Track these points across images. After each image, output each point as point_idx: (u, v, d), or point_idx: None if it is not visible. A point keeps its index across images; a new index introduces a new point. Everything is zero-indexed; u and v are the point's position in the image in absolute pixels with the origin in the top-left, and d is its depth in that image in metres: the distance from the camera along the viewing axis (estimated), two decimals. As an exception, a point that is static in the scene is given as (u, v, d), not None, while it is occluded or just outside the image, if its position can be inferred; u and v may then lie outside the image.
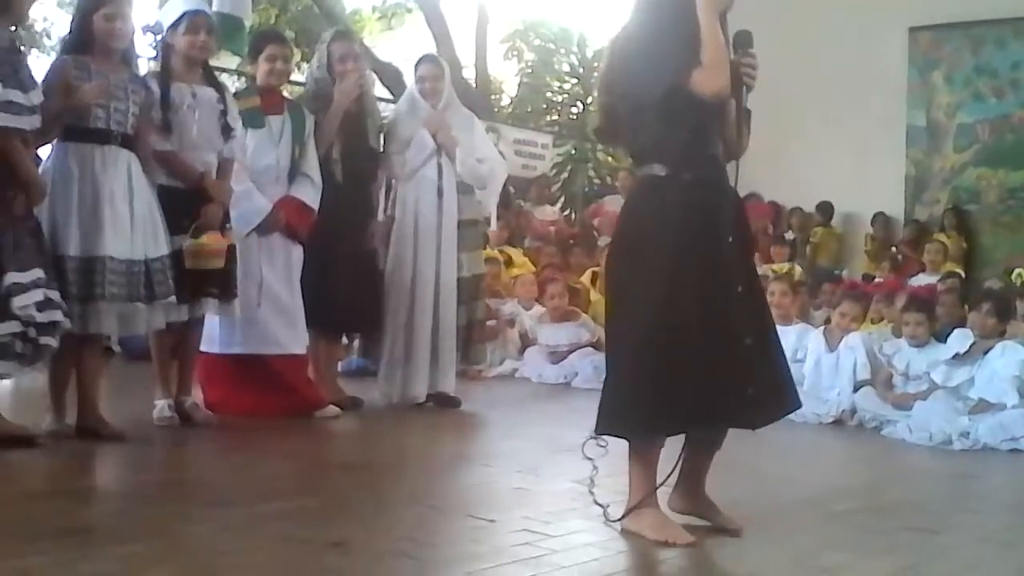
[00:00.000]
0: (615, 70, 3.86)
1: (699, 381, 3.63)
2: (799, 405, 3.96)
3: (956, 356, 6.64)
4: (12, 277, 4.55)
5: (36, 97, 4.66)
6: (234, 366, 5.91)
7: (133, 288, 4.94)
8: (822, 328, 7.62)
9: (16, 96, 4.56)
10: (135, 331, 5.31)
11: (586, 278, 10.20)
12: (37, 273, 4.61)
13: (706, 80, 3.59)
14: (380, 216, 6.73)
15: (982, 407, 6.41)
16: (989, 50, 12.35)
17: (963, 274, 10.66)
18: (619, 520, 3.78)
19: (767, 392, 3.78)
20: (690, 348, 3.63)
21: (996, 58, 12.31)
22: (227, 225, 5.51)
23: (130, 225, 4.98)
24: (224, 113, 5.52)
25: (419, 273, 6.55)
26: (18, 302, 4.53)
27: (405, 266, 6.56)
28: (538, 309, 9.18)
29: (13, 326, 4.54)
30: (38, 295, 4.58)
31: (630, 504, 3.76)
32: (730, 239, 3.76)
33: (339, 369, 6.96)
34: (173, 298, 5.12)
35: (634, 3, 3.88)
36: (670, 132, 3.69)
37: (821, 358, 7.33)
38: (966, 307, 7.60)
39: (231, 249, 5.50)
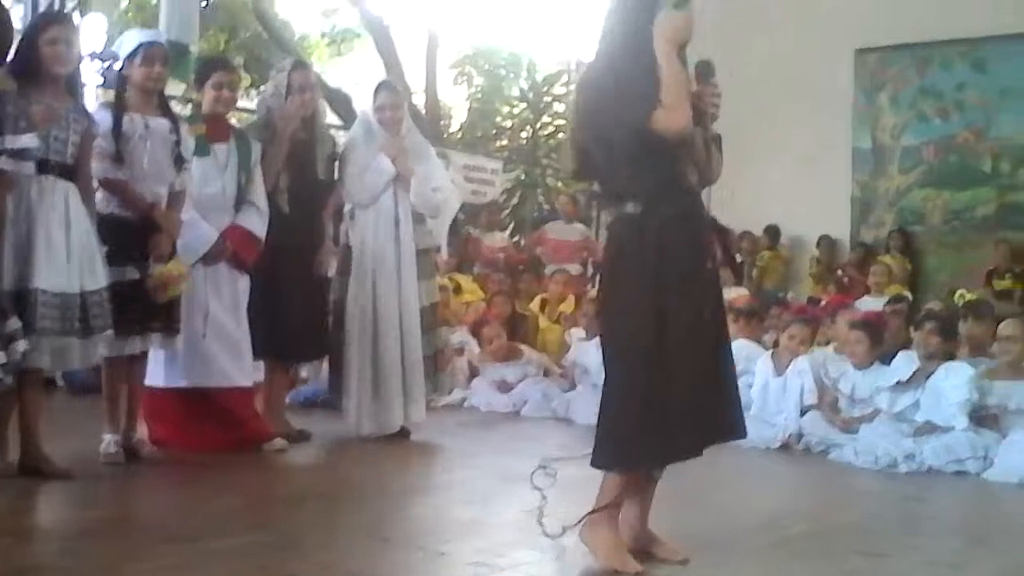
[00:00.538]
0: (583, 110, 3.92)
1: (689, 412, 3.71)
2: (743, 435, 4.01)
3: (900, 383, 6.70)
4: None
5: None
6: (180, 400, 5.85)
7: (67, 322, 4.84)
8: (770, 352, 7.66)
9: None
10: (70, 366, 5.26)
11: (535, 305, 10.20)
12: None
13: (667, 120, 3.63)
14: (333, 245, 6.70)
15: (928, 429, 6.46)
16: (934, 71, 12.49)
17: (910, 296, 10.74)
18: (578, 523, 3.81)
19: (717, 416, 3.86)
20: (679, 381, 3.70)
21: (941, 79, 12.45)
22: (176, 258, 5.47)
23: (66, 256, 4.89)
24: (177, 144, 5.50)
25: (381, 303, 6.51)
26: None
27: (366, 296, 6.52)
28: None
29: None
30: None
31: (595, 505, 3.79)
32: (709, 265, 3.85)
33: (287, 400, 6.92)
34: (111, 332, 5.06)
35: (600, 40, 3.93)
36: (642, 170, 3.75)
37: (769, 382, 7.37)
38: (912, 328, 7.67)
39: (178, 280, 5.47)
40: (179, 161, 5.51)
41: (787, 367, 7.34)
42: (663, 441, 3.71)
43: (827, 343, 7.92)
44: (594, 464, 3.80)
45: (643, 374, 3.72)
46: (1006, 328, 6.87)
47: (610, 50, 3.86)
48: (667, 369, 3.69)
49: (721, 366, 3.89)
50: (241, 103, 7.07)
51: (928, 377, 6.62)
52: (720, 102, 3.82)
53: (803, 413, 7.09)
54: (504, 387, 8.45)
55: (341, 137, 7.61)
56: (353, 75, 18.82)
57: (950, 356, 6.90)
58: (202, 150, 5.88)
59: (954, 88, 12.36)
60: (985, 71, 12.11)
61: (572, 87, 17.38)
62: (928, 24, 12.00)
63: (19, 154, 4.60)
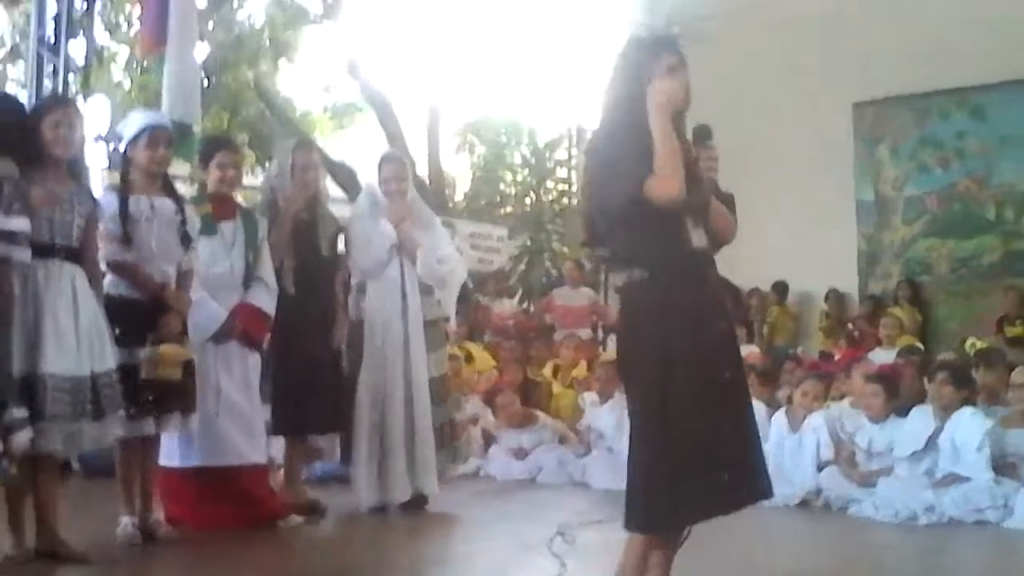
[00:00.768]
0: (586, 179, 3.99)
1: (714, 472, 3.71)
2: (771, 494, 4.00)
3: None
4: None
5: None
6: (194, 479, 5.83)
7: (79, 405, 4.83)
8: (783, 409, 7.63)
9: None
10: (83, 449, 5.25)
11: (547, 371, 10.19)
12: None
13: (659, 188, 3.66)
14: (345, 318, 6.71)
15: (948, 480, 6.42)
16: (933, 121, 12.52)
17: (921, 347, 10.71)
18: None
19: (745, 475, 3.84)
20: (702, 442, 3.71)
21: (940, 129, 12.48)
22: (186, 337, 5.49)
23: (75, 339, 4.89)
24: (183, 224, 5.52)
25: (388, 374, 6.51)
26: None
27: (375, 368, 6.52)
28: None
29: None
30: None
31: (621, 566, 3.80)
32: (723, 326, 3.87)
33: (303, 475, 6.90)
34: (122, 412, 5.04)
35: (601, 108, 3.98)
36: (644, 236, 3.78)
37: (784, 439, 7.34)
38: (926, 380, 7.64)
39: (190, 362, 5.47)
40: (186, 240, 5.53)
41: (801, 423, 7.32)
42: (691, 502, 3.70)
43: (841, 397, 7.89)
44: (627, 527, 3.79)
45: (663, 437, 3.73)
46: (1019, 375, 6.86)
47: (609, 118, 3.93)
48: (687, 430, 3.70)
49: (747, 426, 3.91)
50: (246, 180, 7.10)
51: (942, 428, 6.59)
52: (717, 165, 3.85)
53: (820, 469, 7.06)
54: (520, 454, 8.42)
55: (346, 210, 7.64)
56: (356, 148, 18.93)
57: (970, 405, 6.85)
58: (209, 229, 5.91)
59: (954, 137, 12.40)
60: (984, 119, 12.16)
61: (574, 152, 17.50)
62: (924, 75, 12.06)
63: (8, 236, 4.59)
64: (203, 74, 16.81)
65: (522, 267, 15.94)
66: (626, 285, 3.94)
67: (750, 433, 3.91)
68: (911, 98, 12.54)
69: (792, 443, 7.30)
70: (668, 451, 3.71)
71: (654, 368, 3.75)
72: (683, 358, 3.73)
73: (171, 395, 5.36)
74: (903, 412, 7.06)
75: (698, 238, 3.85)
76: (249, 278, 6.03)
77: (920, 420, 6.74)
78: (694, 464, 3.70)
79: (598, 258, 4.06)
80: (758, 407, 7.37)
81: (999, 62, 11.53)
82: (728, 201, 3.99)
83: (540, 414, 8.91)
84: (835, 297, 12.64)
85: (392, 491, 6.48)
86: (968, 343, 9.45)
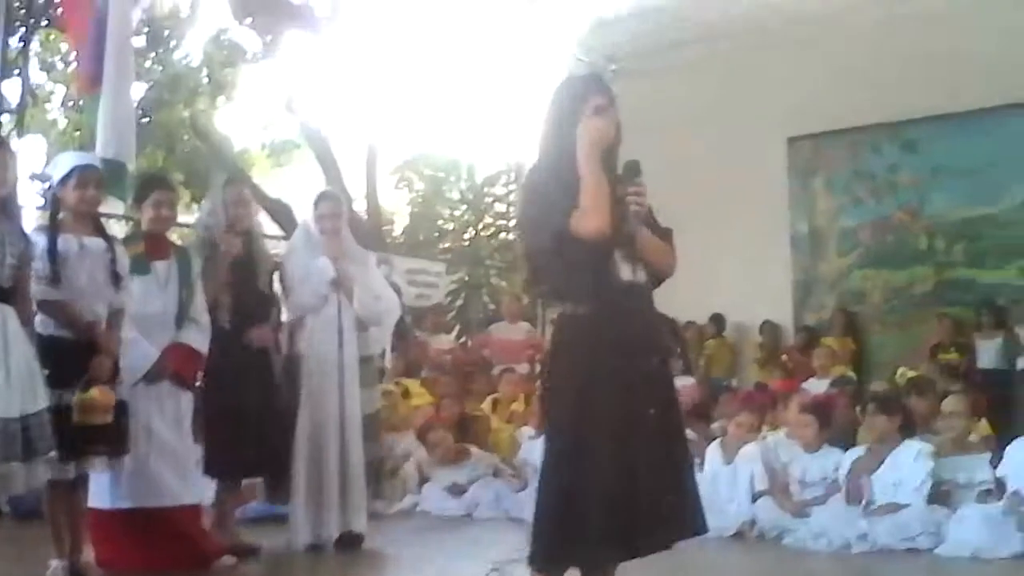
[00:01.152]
0: (518, 216, 4.00)
1: (612, 513, 3.67)
2: (706, 529, 3.99)
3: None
4: None
5: None
6: (126, 520, 5.74)
7: (9, 447, 4.77)
8: (718, 440, 7.66)
9: None
10: (15, 491, 5.17)
11: (487, 406, 10.18)
12: None
13: (584, 223, 3.69)
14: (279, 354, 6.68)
15: (885, 509, 6.47)
16: (866, 155, 12.69)
17: (854, 376, 10.83)
18: None
19: (677, 511, 3.83)
20: (602, 482, 3.67)
21: (873, 162, 12.65)
22: (117, 378, 5.44)
23: (5, 380, 4.83)
24: (113, 262, 5.49)
25: (323, 412, 6.48)
26: None
27: (310, 406, 6.49)
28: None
29: None
30: None
31: None
32: (653, 362, 3.88)
33: (237, 515, 6.84)
34: (54, 453, 4.99)
35: (537, 146, 4.02)
36: (571, 270, 3.79)
37: (719, 471, 7.37)
38: (859, 410, 7.73)
39: (122, 403, 5.42)
40: (116, 279, 5.49)
41: (735, 455, 7.36)
42: (605, 541, 3.68)
43: (774, 428, 7.95)
44: (530, 563, 3.80)
45: (576, 472, 3.72)
46: (949, 404, 6.97)
47: (541, 157, 3.97)
48: (584, 470, 3.68)
49: (676, 462, 3.89)
50: (182, 218, 7.05)
51: (883, 459, 6.66)
52: (644, 201, 3.85)
53: (755, 500, 7.09)
54: (456, 490, 8.38)
55: (283, 247, 7.61)
56: (294, 185, 18.90)
57: (908, 433, 6.92)
58: (141, 268, 5.86)
59: (886, 170, 12.56)
60: (915, 152, 12.33)
61: (512, 187, 17.54)
62: (856, 109, 12.20)
63: None
64: (140, 112, 16.78)
65: (460, 302, 15.93)
66: (557, 318, 3.96)
67: (681, 471, 3.90)
68: (844, 132, 12.69)
69: (727, 474, 7.33)
70: (579, 487, 3.69)
71: (573, 401, 3.76)
72: (604, 393, 3.74)
73: (101, 437, 5.29)
74: (837, 443, 7.13)
75: (628, 272, 3.87)
76: (182, 317, 5.97)
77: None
78: (610, 502, 3.67)
79: (538, 294, 4.08)
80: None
81: (930, 96, 11.70)
82: (666, 235, 4.02)
83: (474, 449, 8.87)
84: (769, 328, 12.74)
85: (326, 528, 6.44)
86: (899, 373, 9.57)
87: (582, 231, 3.70)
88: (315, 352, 6.54)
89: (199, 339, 6.01)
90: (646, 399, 3.81)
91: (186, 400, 5.98)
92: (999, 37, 11.30)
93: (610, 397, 3.74)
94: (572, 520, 3.70)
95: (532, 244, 3.91)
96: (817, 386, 9.57)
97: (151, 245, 6.00)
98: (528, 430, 8.81)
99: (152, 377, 5.81)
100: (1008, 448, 6.58)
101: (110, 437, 5.34)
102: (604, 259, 3.82)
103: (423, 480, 8.70)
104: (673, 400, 4.03)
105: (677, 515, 3.84)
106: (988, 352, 11.18)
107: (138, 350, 5.76)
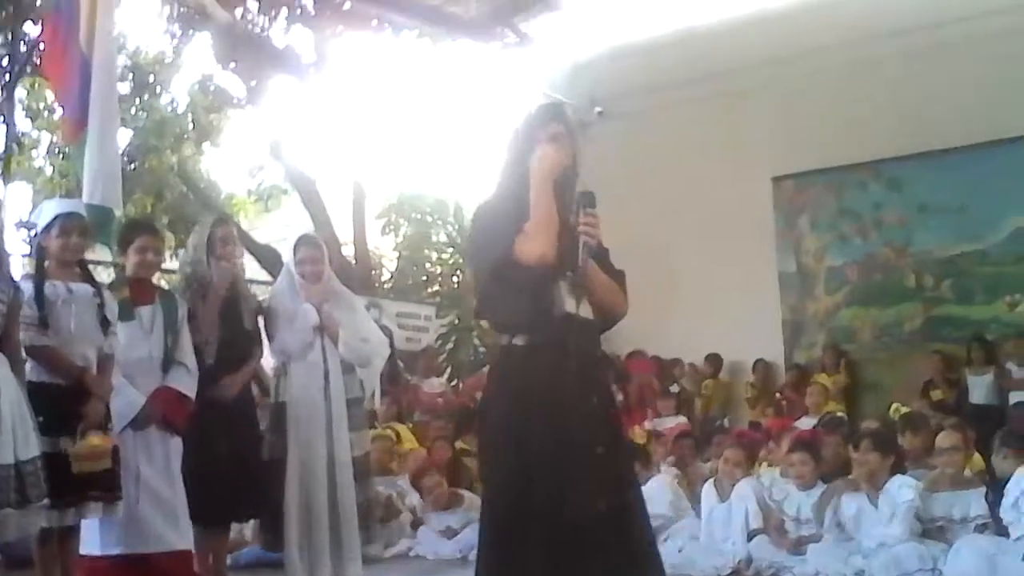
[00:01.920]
0: (470, 242, 3.98)
1: (547, 557, 3.58)
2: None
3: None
4: None
5: None
6: (116, 567, 5.69)
7: (2, 493, 4.73)
8: (712, 480, 7.63)
9: None
10: (7, 538, 5.11)
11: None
12: None
13: (526, 246, 3.67)
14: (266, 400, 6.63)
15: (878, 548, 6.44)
16: (851, 193, 12.75)
17: (845, 414, 10.81)
18: None
19: (624, 558, 3.71)
20: (534, 522, 3.60)
21: (858, 200, 12.71)
22: (109, 424, 5.41)
23: None
24: (101, 307, 5.46)
25: (312, 456, 6.41)
26: None
27: (299, 451, 6.42)
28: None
29: None
30: None
31: None
32: (594, 399, 3.79)
33: (229, 561, 6.77)
34: (47, 500, 4.95)
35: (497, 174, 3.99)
36: (512, 299, 3.75)
37: (714, 509, 7.34)
38: (851, 448, 7.69)
39: (114, 449, 5.38)
40: (105, 324, 5.47)
41: (730, 493, 7.33)
42: None
43: (770, 466, 7.93)
44: None
45: (492, 510, 3.72)
46: (944, 440, 6.95)
47: (498, 184, 3.97)
48: (516, 510, 3.62)
49: (628, 505, 3.80)
50: (168, 264, 7.03)
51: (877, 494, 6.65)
52: (596, 232, 3.80)
53: (750, 538, 7.06)
54: (450, 533, 8.32)
55: (266, 294, 7.58)
56: (282, 231, 18.86)
57: (900, 470, 6.91)
58: (127, 315, 5.83)
59: (871, 208, 12.62)
60: (900, 190, 12.39)
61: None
62: (841, 148, 12.30)
63: None
64: (126, 159, 16.77)
65: (450, 345, 15.87)
66: (498, 351, 3.92)
67: (631, 511, 3.80)
68: (829, 171, 12.78)
69: (722, 512, 7.30)
70: (513, 525, 3.63)
71: (511, 435, 3.71)
72: (538, 425, 3.67)
73: (96, 483, 5.26)
74: (829, 479, 7.10)
75: (572, 305, 3.81)
76: (169, 361, 5.95)
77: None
78: (552, 543, 3.58)
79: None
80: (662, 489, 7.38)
81: (913, 134, 11.82)
82: (618, 276, 3.99)
83: (467, 493, 8.82)
84: (763, 367, 12.76)
85: (319, 574, 6.38)
86: (893, 408, 9.56)
87: (525, 256, 3.67)
88: (301, 397, 6.48)
89: (187, 382, 5.98)
90: (589, 437, 3.73)
91: (175, 445, 5.93)
92: (978, 76, 11.44)
93: (547, 430, 3.67)
94: (513, 563, 3.63)
95: (477, 269, 3.90)
96: (809, 424, 9.56)
97: (135, 290, 5.98)
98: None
99: (140, 423, 5.78)
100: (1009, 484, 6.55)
101: (105, 483, 5.30)
102: (546, 288, 3.77)
103: (416, 524, 8.63)
104: (620, 440, 3.99)
105: (627, 558, 3.72)
106: (979, 387, 11.19)
107: (124, 396, 5.73)
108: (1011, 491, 6.32)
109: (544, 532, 3.59)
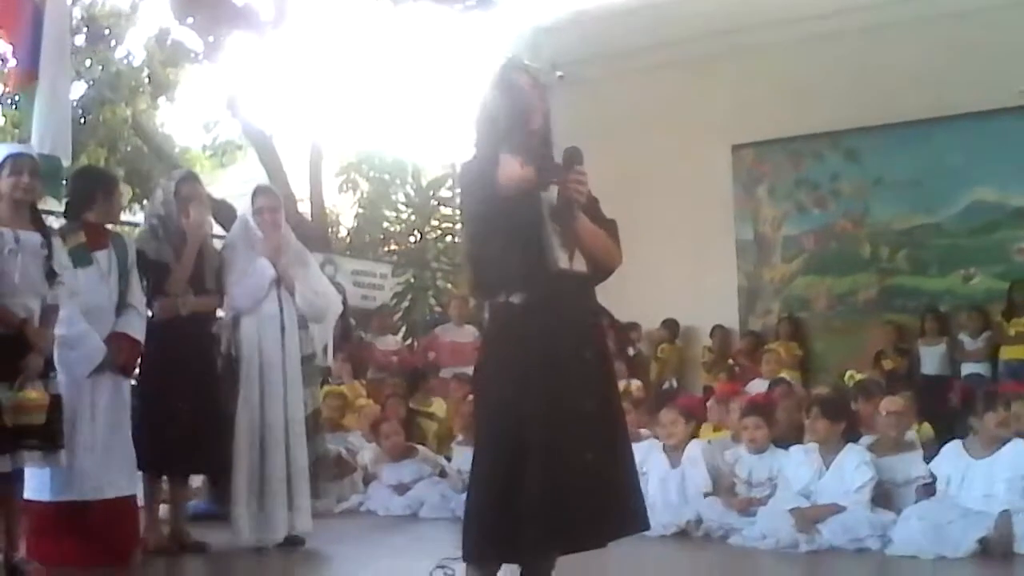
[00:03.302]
0: (461, 198, 3.97)
1: (537, 509, 3.59)
2: (647, 526, 3.94)
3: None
4: None
5: None
6: (61, 512, 5.64)
7: None
8: (661, 445, 7.57)
9: None
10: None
11: (437, 407, 10.14)
12: None
13: (505, 173, 3.67)
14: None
15: (828, 511, 6.46)
16: (809, 163, 12.80)
17: (794, 380, 10.87)
18: None
19: (613, 508, 3.76)
20: (533, 475, 3.61)
21: (816, 171, 12.76)
22: (51, 374, 5.34)
23: None
24: (48, 258, 5.38)
25: (268, 412, 6.37)
26: None
27: (253, 405, 6.37)
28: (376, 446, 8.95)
29: None
30: None
31: None
32: (587, 355, 3.78)
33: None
34: None
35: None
36: (505, 256, 3.73)
37: (666, 475, 7.31)
38: (804, 413, 7.73)
39: (56, 399, 5.31)
40: (51, 275, 5.39)
41: (680, 457, 7.32)
42: (521, 535, 3.61)
43: (718, 431, 7.96)
44: (464, 558, 3.75)
45: (484, 465, 3.71)
46: (888, 404, 7.00)
47: (475, 144, 3.95)
48: (508, 464, 3.64)
49: (616, 459, 3.83)
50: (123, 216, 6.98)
51: (830, 463, 6.67)
52: (585, 189, 3.79)
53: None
54: (401, 490, 8.31)
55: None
56: (237, 186, 18.72)
57: (853, 437, 6.94)
58: (84, 259, 5.80)
59: (829, 178, 12.69)
60: (857, 161, 12.46)
61: (458, 190, 17.48)
62: (799, 118, 12.34)
63: None
64: (80, 111, 16.56)
65: (406, 304, 15.85)
66: (491, 310, 3.91)
67: (620, 466, 3.84)
68: (787, 141, 12.82)
69: (674, 478, 7.28)
70: (509, 481, 3.63)
71: (505, 391, 3.71)
72: (536, 383, 3.68)
73: (35, 432, 5.19)
74: (781, 444, 7.12)
75: (564, 260, 3.80)
76: (121, 305, 5.92)
77: (803, 459, 6.80)
78: (541, 496, 3.60)
79: (476, 290, 4.03)
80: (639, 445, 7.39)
81: (871, 106, 11.87)
82: (610, 226, 3.97)
83: (420, 447, 8.83)
84: (720, 333, 12.83)
85: (273, 530, 6.34)
86: (847, 375, 9.62)
87: (507, 180, 3.65)
88: (257, 351, 6.43)
89: (139, 326, 5.98)
90: (582, 392, 3.75)
91: (126, 389, 5.94)
92: (938, 50, 11.53)
93: (542, 388, 3.68)
94: (501, 514, 3.64)
95: (468, 221, 3.90)
96: (760, 387, 9.60)
97: (90, 235, 5.93)
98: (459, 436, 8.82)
99: (98, 369, 5.75)
100: (944, 448, 6.63)
101: (43, 433, 5.23)
102: (536, 243, 3.76)
103: (368, 479, 8.62)
104: (613, 395, 3.99)
105: (616, 511, 3.78)
106: (931, 358, 11.33)
107: (89, 342, 5.72)
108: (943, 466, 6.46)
109: (534, 490, 3.60)
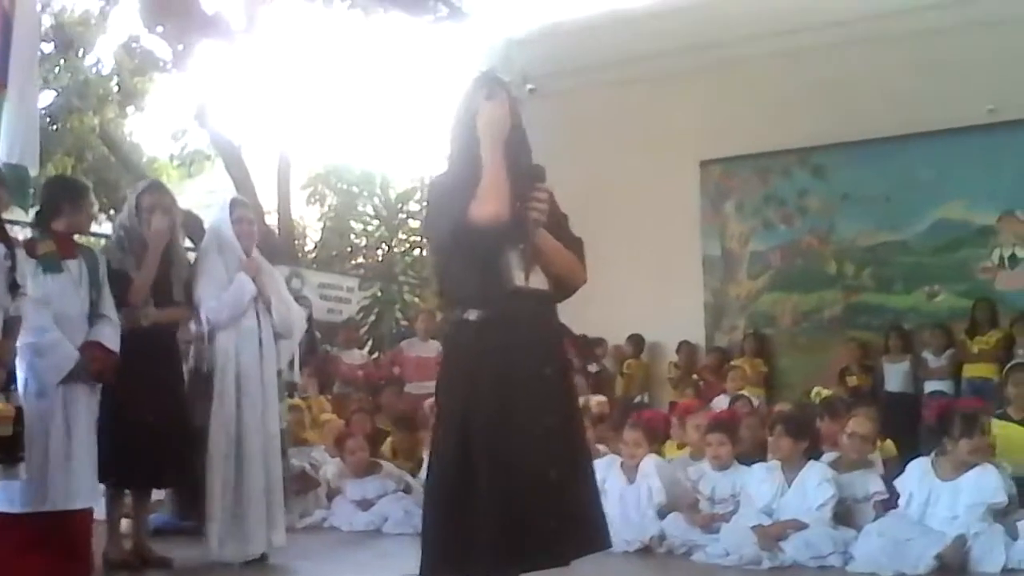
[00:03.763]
0: (427, 214, 3.97)
1: (491, 525, 3.60)
2: (609, 544, 3.95)
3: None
4: None
5: None
6: (22, 524, 5.57)
7: None
8: (620, 462, 7.57)
9: None
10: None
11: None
12: None
13: (479, 209, 3.65)
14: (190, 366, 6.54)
15: (791, 527, 6.49)
16: (776, 180, 12.88)
17: (758, 396, 10.93)
18: None
19: (574, 526, 3.76)
20: (482, 491, 3.61)
21: (783, 187, 12.84)
22: (12, 387, 5.31)
23: None
24: (12, 270, 5.34)
25: (245, 426, 6.32)
26: None
27: (229, 419, 6.32)
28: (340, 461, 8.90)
29: None
30: None
31: None
32: (547, 371, 3.79)
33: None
34: None
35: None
36: (464, 273, 3.76)
37: (624, 491, 7.31)
38: (767, 430, 7.75)
39: (18, 411, 5.26)
40: (14, 288, 5.35)
41: (636, 474, 7.32)
42: (476, 553, 3.61)
43: (680, 447, 7.97)
44: (420, 573, 3.73)
45: (437, 481, 3.71)
46: (854, 425, 7.03)
47: (449, 158, 3.96)
48: (461, 479, 3.64)
49: (577, 476, 3.83)
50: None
51: (792, 480, 6.70)
52: (544, 207, 3.81)
53: (662, 516, 7.06)
54: (365, 505, 8.28)
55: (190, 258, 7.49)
56: (204, 197, 18.67)
57: (815, 453, 6.98)
58: (55, 267, 5.78)
59: (796, 195, 12.75)
60: (824, 178, 12.53)
61: (425, 204, 17.46)
62: (767, 135, 12.39)
63: None
64: (47, 119, 16.47)
65: (372, 318, 15.84)
66: (448, 326, 3.92)
67: (582, 483, 3.84)
68: (755, 157, 12.88)
69: (632, 494, 7.28)
70: (464, 498, 3.64)
71: (459, 407, 3.72)
72: (485, 399, 3.69)
73: (-1, 445, 5.15)
74: (745, 461, 7.15)
75: (521, 278, 3.80)
76: (94, 315, 5.90)
77: (765, 476, 6.83)
78: (498, 513, 3.60)
79: (441, 301, 4.06)
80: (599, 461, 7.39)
81: (840, 123, 11.94)
82: (575, 244, 3.98)
83: (384, 463, 8.80)
84: (686, 349, 12.85)
85: (250, 545, 6.31)
86: (815, 391, 9.66)
87: (479, 216, 3.65)
88: (236, 364, 6.39)
89: (112, 337, 5.94)
90: (542, 410, 3.75)
91: (96, 399, 5.90)
92: (906, 68, 11.60)
93: (495, 404, 3.69)
94: (453, 530, 3.65)
95: (434, 240, 3.90)
96: (723, 403, 9.63)
97: (61, 244, 5.92)
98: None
99: (70, 377, 5.72)
100: (909, 466, 6.66)
101: (4, 445, 5.19)
102: (495, 261, 3.77)
103: (332, 494, 8.59)
104: (574, 412, 3.99)
105: (578, 529, 3.78)
106: (895, 375, 11.39)
107: (61, 350, 5.69)
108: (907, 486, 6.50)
109: (487, 505, 3.60)
